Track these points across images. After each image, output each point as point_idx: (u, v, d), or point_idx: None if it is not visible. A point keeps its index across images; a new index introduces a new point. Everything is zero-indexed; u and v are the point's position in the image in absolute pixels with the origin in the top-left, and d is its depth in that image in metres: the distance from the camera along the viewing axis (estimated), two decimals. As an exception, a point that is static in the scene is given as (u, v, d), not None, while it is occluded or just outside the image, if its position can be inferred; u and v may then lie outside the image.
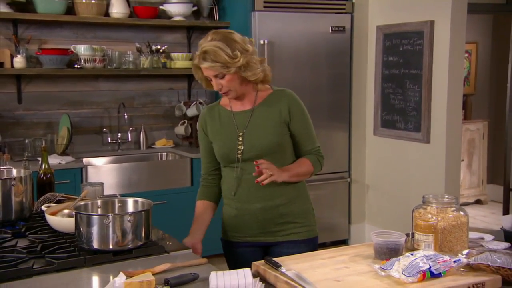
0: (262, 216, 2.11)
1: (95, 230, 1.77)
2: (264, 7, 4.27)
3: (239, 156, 2.08)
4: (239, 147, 2.08)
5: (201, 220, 2.19)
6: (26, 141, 3.99)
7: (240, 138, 2.09)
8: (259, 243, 2.14)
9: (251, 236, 2.14)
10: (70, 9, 4.08)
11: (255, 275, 1.64)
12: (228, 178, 2.16)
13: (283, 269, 1.60)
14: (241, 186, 2.11)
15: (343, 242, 4.71)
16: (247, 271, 1.58)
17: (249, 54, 2.02)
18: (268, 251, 2.14)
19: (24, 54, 3.94)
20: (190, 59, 4.53)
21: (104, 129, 4.42)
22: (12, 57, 3.93)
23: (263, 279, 1.61)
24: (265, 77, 2.11)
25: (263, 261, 1.69)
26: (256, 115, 2.11)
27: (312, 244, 2.15)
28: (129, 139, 4.49)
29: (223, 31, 2.06)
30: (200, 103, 4.58)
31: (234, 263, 2.15)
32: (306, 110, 2.16)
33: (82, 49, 4.08)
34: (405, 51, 4.29)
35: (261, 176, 1.97)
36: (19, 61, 3.90)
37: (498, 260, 1.59)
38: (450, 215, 1.77)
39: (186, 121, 4.60)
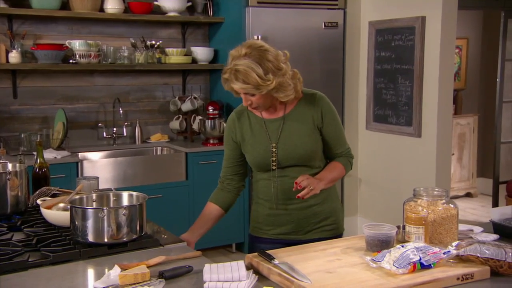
0: (296, 216, 2.11)
1: (90, 223, 1.79)
2: (258, 2, 4.28)
3: (273, 167, 2.06)
4: (273, 157, 2.06)
5: (204, 221, 2.17)
6: (22, 135, 3.98)
7: (274, 149, 2.06)
8: (290, 241, 2.09)
9: (284, 234, 2.12)
10: (65, 5, 4.08)
11: (249, 267, 1.65)
12: (264, 182, 2.13)
13: (276, 261, 1.62)
14: (279, 191, 2.09)
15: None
16: (241, 263, 1.60)
17: (282, 74, 1.95)
18: None
19: (19, 49, 3.94)
20: (185, 54, 4.54)
21: (100, 124, 4.43)
22: (7, 52, 3.92)
23: (256, 271, 1.63)
24: (296, 92, 2.05)
25: (256, 253, 1.71)
26: (288, 123, 2.07)
27: None
28: (124, 134, 4.50)
29: (257, 46, 1.95)
30: (195, 98, 4.60)
31: None
32: (337, 113, 2.14)
33: (77, 45, 4.08)
34: (396, 47, 4.32)
35: (301, 191, 1.94)
36: (14, 56, 3.90)
37: (487, 251, 1.61)
38: (440, 208, 1.79)
39: (181, 116, 4.61)
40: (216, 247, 4.40)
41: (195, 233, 2.12)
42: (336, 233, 2.17)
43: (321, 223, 2.14)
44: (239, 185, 2.21)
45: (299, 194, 1.93)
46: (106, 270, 1.64)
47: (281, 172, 2.08)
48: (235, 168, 2.18)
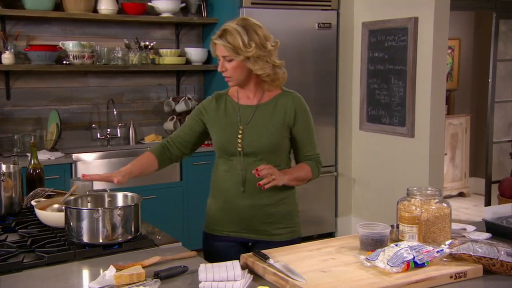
0: (248, 213, 2.09)
1: (85, 224, 1.79)
2: (252, 3, 4.29)
3: (239, 148, 2.07)
4: (239, 140, 2.07)
5: (139, 167, 2.14)
6: (15, 137, 3.97)
7: (240, 132, 2.08)
8: (241, 239, 2.12)
9: (234, 231, 2.13)
10: (58, 5, 4.07)
11: (244, 267, 1.66)
12: (225, 171, 2.12)
13: (271, 261, 1.63)
14: (243, 179, 2.08)
15: (330, 235, 4.76)
16: (236, 263, 1.61)
17: (265, 51, 2.02)
18: (248, 249, 2.13)
19: (12, 50, 3.92)
20: (179, 55, 4.54)
21: (93, 125, 4.42)
22: (0, 53, 3.91)
23: (251, 271, 1.63)
24: (276, 79, 2.10)
25: (251, 253, 1.72)
26: (260, 112, 2.10)
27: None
28: (118, 135, 4.49)
29: (252, 21, 2.06)
30: (189, 98, 4.60)
31: (213, 257, 2.08)
32: (311, 116, 2.16)
33: (70, 45, 4.07)
34: (389, 47, 4.34)
35: (262, 180, 1.95)
36: (7, 57, 3.88)
37: (479, 250, 1.62)
38: (433, 207, 1.81)
39: (175, 117, 4.61)
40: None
41: (124, 174, 2.04)
42: (291, 237, 2.13)
43: (273, 225, 2.11)
44: (181, 154, 2.23)
45: (260, 182, 1.95)
46: (101, 270, 1.64)
47: (245, 159, 2.07)
48: (188, 141, 2.20)
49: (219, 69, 2.07)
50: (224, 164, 2.13)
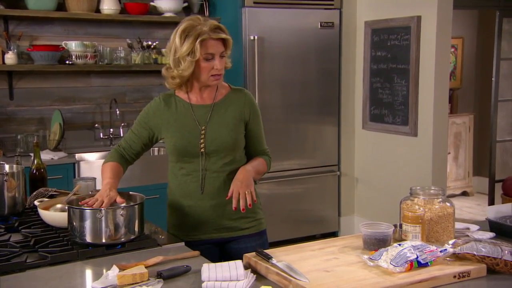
0: (213, 214, 2.08)
1: (88, 224, 1.79)
2: (254, 3, 4.28)
3: (202, 149, 2.05)
4: (201, 141, 2.05)
5: (117, 175, 2.07)
6: (18, 137, 3.99)
7: (203, 132, 2.06)
8: (213, 239, 2.10)
9: (204, 233, 2.09)
10: (61, 6, 4.08)
11: (247, 266, 1.66)
12: (185, 175, 2.10)
13: (274, 261, 1.62)
14: (205, 180, 2.06)
15: (333, 234, 4.75)
16: (239, 263, 1.61)
17: None
18: (223, 248, 2.13)
19: (15, 50, 3.93)
20: (181, 55, 4.54)
21: (96, 125, 4.43)
22: (3, 53, 3.92)
23: (254, 271, 1.63)
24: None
25: (254, 253, 1.71)
26: (217, 111, 2.09)
27: (263, 237, 2.18)
28: (121, 134, 4.49)
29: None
30: (191, 98, 4.60)
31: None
32: (259, 111, 2.21)
33: (73, 45, 4.08)
34: (392, 46, 4.33)
35: (241, 202, 1.94)
36: (10, 58, 3.90)
37: (483, 249, 1.62)
38: (436, 206, 1.80)
39: (177, 117, 4.61)
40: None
41: (115, 184, 2.01)
42: (259, 229, 2.17)
43: (240, 221, 2.11)
44: (132, 160, 2.21)
45: (243, 207, 1.93)
46: (104, 270, 1.64)
47: (207, 159, 2.06)
48: (136, 149, 2.17)
49: (220, 66, 2.02)
50: (182, 167, 2.10)
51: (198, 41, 1.97)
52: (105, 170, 2.07)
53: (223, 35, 2.00)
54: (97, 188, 2.42)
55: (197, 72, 2.03)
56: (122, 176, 2.13)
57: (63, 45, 4.09)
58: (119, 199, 1.90)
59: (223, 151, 2.06)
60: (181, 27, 2.03)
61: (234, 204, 1.94)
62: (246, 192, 1.96)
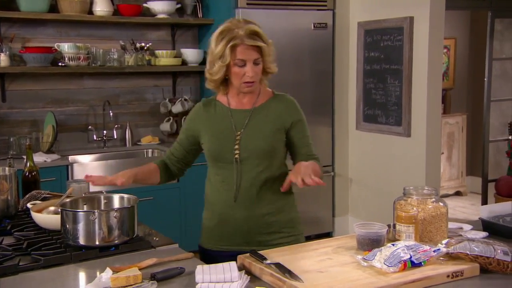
0: (246, 225, 2.01)
1: (81, 226, 1.78)
2: (247, 4, 4.29)
3: (236, 155, 1.99)
4: (236, 146, 1.99)
5: (142, 174, 2.07)
6: (11, 139, 3.97)
7: (238, 138, 2.00)
8: (243, 252, 1.88)
9: (234, 245, 2.02)
10: (53, 7, 4.06)
11: (241, 268, 1.65)
12: (219, 180, 2.04)
13: (268, 262, 1.62)
14: (239, 187, 2.00)
15: (328, 235, 4.76)
16: (233, 264, 1.60)
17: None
18: None
19: (7, 52, 3.91)
20: (175, 56, 4.54)
21: (90, 127, 4.41)
22: (-5, 55, 3.91)
23: (248, 272, 1.63)
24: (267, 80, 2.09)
25: (248, 254, 1.71)
26: (255, 116, 2.03)
27: None
28: (115, 136, 4.49)
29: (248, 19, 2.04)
30: (185, 99, 4.60)
31: None
32: (305, 118, 2.12)
33: (66, 47, 4.07)
34: (385, 47, 4.34)
35: (305, 178, 1.79)
36: (2, 60, 3.87)
37: (476, 248, 1.62)
38: (430, 206, 1.80)
39: (171, 118, 4.61)
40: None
41: (128, 175, 1.99)
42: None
43: (275, 235, 2.02)
44: (181, 170, 2.18)
45: (309, 181, 1.78)
46: (98, 273, 1.63)
47: (241, 166, 1.99)
48: (183, 159, 2.15)
49: (251, 74, 1.94)
50: (217, 174, 2.06)
51: (229, 45, 1.92)
52: (141, 166, 2.11)
53: (259, 43, 1.93)
54: (90, 190, 2.41)
55: (230, 77, 1.99)
56: (153, 180, 2.12)
57: (56, 47, 4.08)
58: (120, 179, 1.91)
59: (257, 158, 1.99)
60: (219, 28, 1.98)
61: (299, 183, 1.80)
62: (308, 175, 1.78)
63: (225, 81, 2.04)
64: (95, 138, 4.42)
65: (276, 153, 2.04)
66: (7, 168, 2.32)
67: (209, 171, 2.11)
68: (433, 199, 1.83)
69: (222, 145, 2.02)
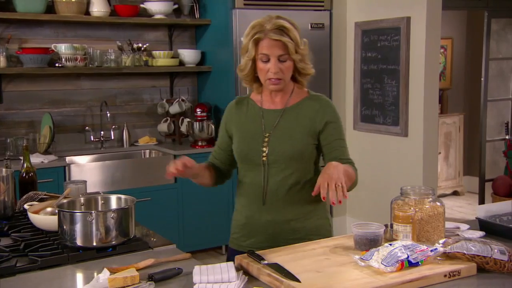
0: (272, 229, 1.95)
1: (78, 227, 1.78)
2: (244, 4, 4.29)
3: (264, 158, 1.93)
4: (264, 149, 1.93)
5: (202, 165, 2.02)
6: (8, 140, 3.96)
7: (266, 139, 1.94)
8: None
9: (259, 248, 1.87)
10: (50, 8, 4.06)
11: (238, 268, 1.65)
12: (248, 182, 1.99)
13: (265, 262, 1.62)
14: (266, 189, 1.94)
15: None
16: (230, 265, 1.61)
17: (308, 50, 1.95)
18: None
19: (4, 53, 3.91)
20: (172, 57, 4.54)
21: (87, 128, 4.41)
22: (-8, 56, 3.91)
23: (246, 272, 1.63)
24: (306, 81, 2.02)
25: (245, 254, 1.71)
26: (286, 117, 1.96)
27: None
28: (112, 137, 4.48)
29: (287, 17, 1.96)
30: (183, 100, 4.60)
31: None
32: (341, 121, 2.03)
33: (63, 48, 4.06)
34: (382, 47, 4.35)
35: (330, 194, 1.67)
36: (-1, 61, 3.88)
37: (473, 248, 1.63)
38: (427, 206, 1.81)
39: (168, 119, 4.61)
40: (206, 249, 4.40)
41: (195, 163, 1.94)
42: None
43: (301, 241, 1.89)
44: (229, 171, 2.10)
45: (333, 200, 1.67)
46: (95, 273, 1.63)
47: (269, 169, 1.94)
48: (225, 161, 2.09)
49: (274, 70, 1.88)
50: (245, 176, 2.00)
51: (253, 39, 1.88)
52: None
53: (283, 38, 1.85)
54: (88, 191, 2.41)
55: (258, 73, 1.93)
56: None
57: (53, 48, 4.07)
58: (188, 160, 1.84)
59: (284, 161, 1.92)
60: (252, 23, 1.93)
61: (322, 194, 1.67)
62: (336, 185, 1.67)
63: (258, 79, 1.97)
64: (92, 139, 4.42)
65: (305, 157, 1.95)
66: (4, 169, 2.32)
67: (239, 172, 2.04)
68: (430, 199, 1.83)
69: (250, 146, 1.96)
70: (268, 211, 1.96)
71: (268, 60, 1.88)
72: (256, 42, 1.88)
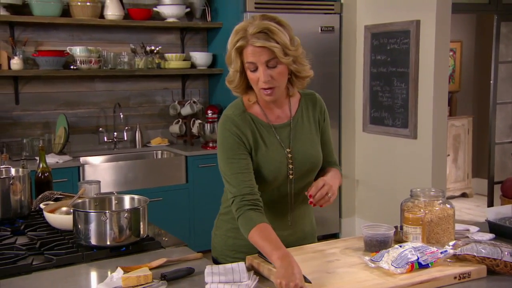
0: (288, 241, 1.79)
1: (92, 227, 1.80)
2: (255, 8, 4.31)
3: (290, 176, 1.81)
4: (290, 166, 1.80)
5: (275, 236, 1.65)
6: (24, 141, 4.01)
7: (290, 155, 1.80)
8: None
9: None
10: (66, 12, 4.10)
11: (249, 268, 1.66)
12: (270, 203, 1.82)
13: (276, 262, 1.63)
14: (295, 212, 1.87)
15: (334, 236, 4.77)
16: (242, 265, 1.61)
17: (303, 50, 1.75)
18: None
19: (21, 56, 3.96)
20: (184, 59, 4.57)
21: (100, 129, 4.45)
22: (9, 59, 3.95)
23: (257, 272, 1.64)
24: (304, 84, 1.83)
25: (256, 254, 1.72)
26: (296, 128, 1.84)
27: None
28: (125, 138, 4.52)
29: (274, 16, 1.73)
30: (194, 102, 4.63)
31: None
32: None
33: (78, 51, 4.11)
34: (392, 50, 4.35)
35: (318, 195, 1.70)
36: (16, 63, 3.93)
37: (483, 250, 1.63)
38: (437, 208, 1.80)
39: (180, 120, 4.64)
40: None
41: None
42: None
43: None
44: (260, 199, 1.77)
45: (315, 202, 1.70)
46: (109, 272, 1.65)
47: (294, 185, 1.84)
48: (253, 176, 1.76)
49: (264, 78, 1.67)
50: (268, 196, 1.80)
51: (234, 48, 1.67)
52: (262, 235, 1.63)
53: (268, 43, 1.63)
54: (101, 191, 2.44)
55: (251, 84, 1.74)
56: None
57: (68, 51, 4.12)
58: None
59: (313, 171, 1.84)
60: (235, 27, 1.71)
61: (311, 192, 1.68)
62: (327, 195, 1.70)
63: (251, 88, 1.78)
64: (105, 139, 4.46)
65: (321, 160, 1.88)
66: (20, 169, 2.35)
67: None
68: (440, 201, 1.83)
69: (276, 167, 1.78)
70: (296, 229, 1.90)
71: (256, 69, 1.68)
72: (240, 51, 1.68)
